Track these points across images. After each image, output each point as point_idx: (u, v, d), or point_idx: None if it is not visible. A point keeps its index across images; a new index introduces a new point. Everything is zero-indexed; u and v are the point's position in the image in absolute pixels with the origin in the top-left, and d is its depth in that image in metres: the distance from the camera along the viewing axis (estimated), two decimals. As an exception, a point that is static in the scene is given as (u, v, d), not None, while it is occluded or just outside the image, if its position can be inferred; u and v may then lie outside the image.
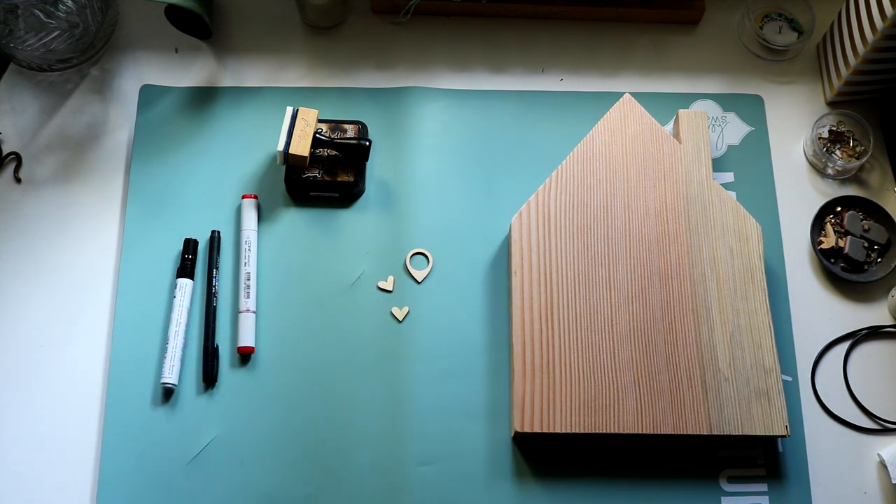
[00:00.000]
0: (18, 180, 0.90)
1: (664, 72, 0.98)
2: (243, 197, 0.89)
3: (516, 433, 0.79)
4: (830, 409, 0.85)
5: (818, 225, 0.91)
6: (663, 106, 0.95)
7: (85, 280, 0.87)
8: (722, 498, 0.81)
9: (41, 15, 0.89)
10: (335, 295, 0.86)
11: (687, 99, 0.96)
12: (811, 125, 0.94)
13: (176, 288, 0.85)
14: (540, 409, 0.78)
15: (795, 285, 0.89)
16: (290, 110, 0.87)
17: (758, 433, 0.78)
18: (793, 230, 0.91)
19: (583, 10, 0.99)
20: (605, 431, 0.78)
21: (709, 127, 0.92)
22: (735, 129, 0.95)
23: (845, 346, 0.88)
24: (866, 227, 0.90)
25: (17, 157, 0.91)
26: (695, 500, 0.80)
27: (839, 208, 0.91)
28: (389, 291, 0.86)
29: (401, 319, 0.85)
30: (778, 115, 0.97)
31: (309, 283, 0.87)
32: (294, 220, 0.89)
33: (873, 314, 0.89)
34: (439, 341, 0.85)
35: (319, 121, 0.90)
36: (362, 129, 0.91)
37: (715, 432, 0.78)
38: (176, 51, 0.97)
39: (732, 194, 0.91)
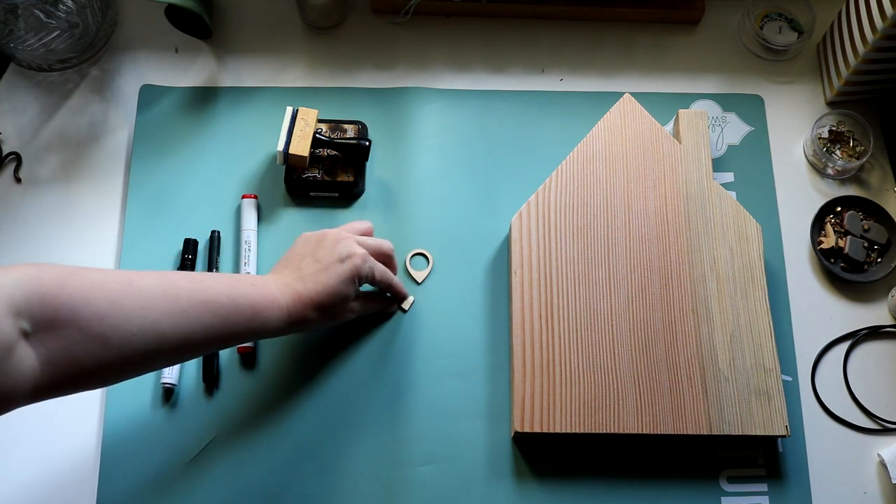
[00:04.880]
0: (18, 180, 0.90)
1: (664, 72, 0.98)
2: (243, 197, 0.89)
3: (516, 433, 0.79)
4: (830, 409, 0.85)
5: (818, 225, 0.91)
6: (663, 106, 0.95)
7: (85, 280, 0.86)
8: (722, 498, 0.81)
9: (41, 15, 0.89)
10: (335, 295, 0.86)
11: (687, 99, 0.96)
12: (811, 125, 0.94)
13: (176, 288, 0.85)
14: (540, 409, 0.78)
15: (795, 285, 0.89)
16: (290, 110, 0.87)
17: (758, 433, 0.78)
18: (793, 230, 0.91)
19: (583, 10, 0.99)
20: (605, 431, 0.78)
21: (709, 127, 0.92)
22: (735, 129, 0.95)
23: (845, 346, 0.88)
24: (866, 227, 0.90)
25: (17, 157, 0.91)
26: (695, 500, 0.80)
27: (839, 208, 0.91)
28: None
29: (406, 309, 0.85)
30: (778, 115, 0.97)
31: (309, 283, 0.87)
32: (294, 220, 0.89)
33: (873, 314, 0.89)
34: (439, 341, 0.85)
35: (319, 121, 0.90)
36: (362, 129, 0.91)
37: (715, 432, 0.78)
38: (176, 51, 0.97)
39: (732, 194, 0.91)
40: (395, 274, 0.83)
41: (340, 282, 0.74)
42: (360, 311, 0.81)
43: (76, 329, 0.60)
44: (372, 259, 0.78)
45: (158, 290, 0.64)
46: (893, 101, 0.95)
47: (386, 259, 0.81)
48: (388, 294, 0.84)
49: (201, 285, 0.67)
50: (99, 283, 0.62)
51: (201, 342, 0.67)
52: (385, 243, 0.81)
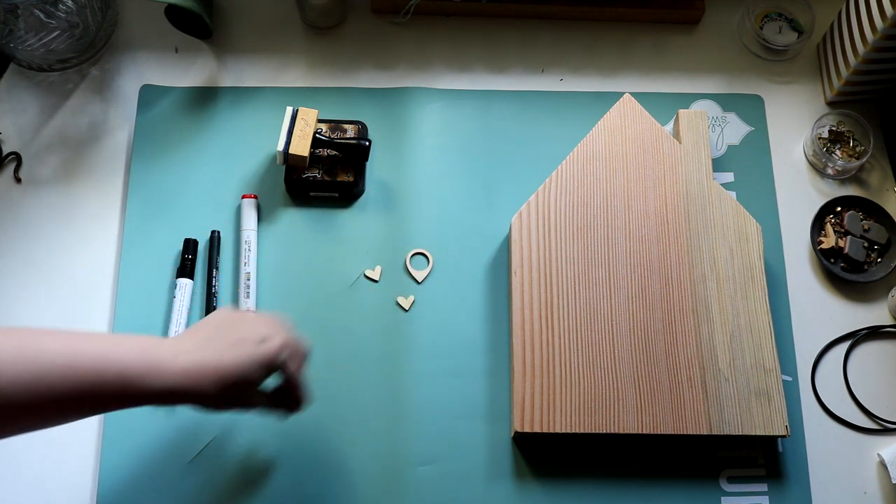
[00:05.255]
0: (18, 180, 0.90)
1: (664, 72, 0.98)
2: (243, 197, 0.89)
3: (516, 433, 0.79)
4: (830, 409, 0.85)
5: (818, 225, 0.91)
6: (663, 106, 0.95)
7: (85, 280, 0.86)
8: (722, 498, 0.81)
9: (41, 15, 0.89)
10: (335, 295, 0.86)
11: (687, 99, 0.96)
12: (811, 125, 0.94)
13: (176, 288, 0.85)
14: (540, 409, 0.78)
15: (795, 285, 0.89)
16: (290, 110, 0.87)
17: (758, 433, 0.78)
18: (793, 230, 0.91)
19: (583, 10, 0.99)
20: (605, 431, 0.78)
21: (709, 127, 0.92)
22: (735, 129, 0.95)
23: (845, 346, 0.88)
24: (866, 227, 0.90)
25: (17, 157, 0.91)
26: (695, 500, 0.80)
27: (839, 208, 0.91)
28: (376, 281, 0.86)
29: (407, 308, 0.85)
30: (778, 115, 0.97)
31: (309, 283, 0.87)
32: (294, 220, 0.89)
33: (873, 314, 0.89)
34: (439, 341, 0.85)
35: (319, 121, 0.90)
36: (362, 129, 0.91)
37: (715, 432, 0.78)
38: (176, 51, 0.97)
39: (732, 194, 0.91)
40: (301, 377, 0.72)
41: (252, 361, 0.65)
42: (259, 407, 0.70)
43: None
44: (292, 349, 0.69)
45: (14, 352, 0.59)
46: (893, 101, 0.95)
47: (300, 359, 0.71)
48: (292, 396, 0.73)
49: (68, 347, 0.61)
50: None
51: (60, 409, 0.61)
52: (304, 342, 0.71)
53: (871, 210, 0.91)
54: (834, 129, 0.95)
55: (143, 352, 0.63)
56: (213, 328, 0.67)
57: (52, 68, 0.94)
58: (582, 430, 0.78)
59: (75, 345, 0.61)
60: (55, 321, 0.85)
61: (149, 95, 0.94)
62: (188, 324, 0.84)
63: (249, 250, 0.86)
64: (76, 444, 0.81)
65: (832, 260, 0.90)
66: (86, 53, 0.95)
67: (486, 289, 0.87)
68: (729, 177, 0.93)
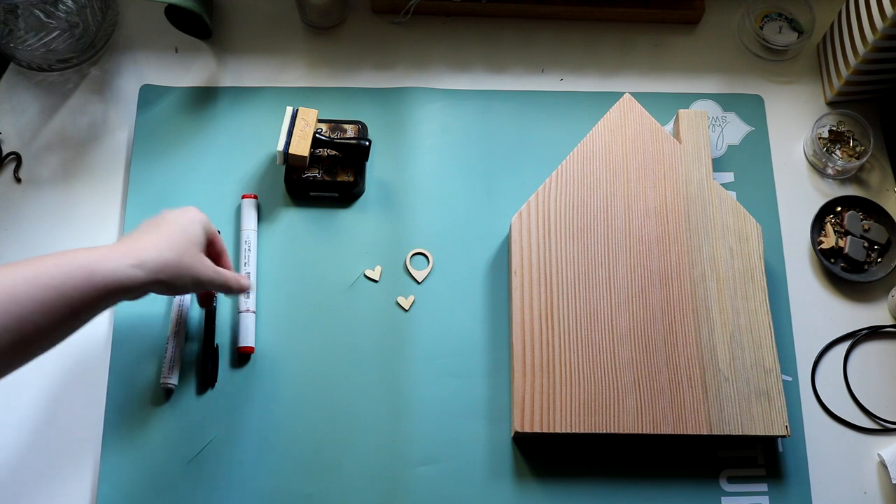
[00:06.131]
0: (18, 180, 0.90)
1: (664, 72, 0.98)
2: (243, 197, 0.89)
3: (516, 433, 0.79)
4: (830, 409, 0.85)
5: (818, 225, 0.91)
6: (663, 106, 0.95)
7: (85, 280, 0.86)
8: (722, 498, 0.81)
9: (41, 15, 0.89)
10: (335, 295, 0.86)
11: (687, 99, 0.96)
12: (811, 125, 0.94)
13: (176, 288, 0.85)
14: (540, 409, 0.78)
15: (795, 285, 0.89)
16: (289, 110, 0.87)
17: (758, 433, 0.78)
18: (793, 230, 0.91)
19: (583, 10, 0.99)
20: (605, 431, 0.78)
21: (709, 127, 0.92)
22: (735, 129, 0.95)
23: (845, 346, 0.88)
24: (866, 227, 0.90)
25: (17, 157, 0.91)
26: (695, 500, 0.80)
27: (839, 208, 0.91)
28: (376, 281, 0.86)
29: (407, 308, 0.85)
30: (778, 115, 0.97)
31: (309, 283, 0.87)
32: (294, 220, 0.89)
33: (873, 314, 0.89)
34: (439, 341, 0.85)
35: (319, 121, 0.90)
36: (362, 129, 0.91)
37: (715, 432, 0.78)
38: (176, 51, 0.97)
39: (732, 194, 0.91)
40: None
41: (186, 223, 0.73)
42: (213, 277, 0.75)
43: None
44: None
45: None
46: (893, 101, 0.95)
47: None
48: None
49: (24, 264, 0.64)
50: None
51: (45, 322, 0.63)
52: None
53: (871, 210, 0.91)
54: (834, 129, 0.95)
55: (94, 249, 0.67)
56: (137, 229, 0.73)
57: (52, 68, 0.94)
58: (582, 430, 0.78)
59: (27, 262, 0.64)
60: (55, 321, 0.85)
61: (149, 95, 0.94)
62: (188, 324, 0.84)
63: (249, 250, 0.86)
64: (77, 443, 0.81)
65: (832, 260, 0.90)
66: (86, 53, 0.95)
67: (486, 289, 0.87)
68: (729, 177, 0.93)
